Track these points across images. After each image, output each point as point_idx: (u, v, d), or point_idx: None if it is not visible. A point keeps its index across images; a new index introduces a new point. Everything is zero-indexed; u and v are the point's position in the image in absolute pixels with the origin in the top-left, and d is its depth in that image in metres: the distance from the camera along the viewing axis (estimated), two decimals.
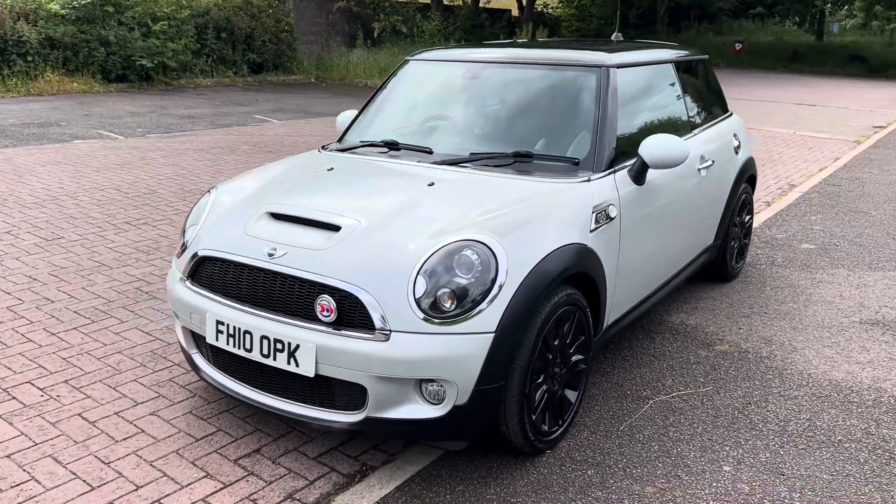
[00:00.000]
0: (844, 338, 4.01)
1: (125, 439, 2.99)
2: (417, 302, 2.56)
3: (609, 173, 3.26)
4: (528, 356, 2.67)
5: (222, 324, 2.84)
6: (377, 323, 2.56)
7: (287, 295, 2.72)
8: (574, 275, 2.89)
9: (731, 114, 5.02)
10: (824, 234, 6.05)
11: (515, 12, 29.45)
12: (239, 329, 2.79)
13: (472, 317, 2.55)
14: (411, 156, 3.49)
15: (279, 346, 2.69)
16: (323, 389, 2.72)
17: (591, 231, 3.02)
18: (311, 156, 3.79)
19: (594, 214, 3.06)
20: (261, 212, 3.01)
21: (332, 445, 2.99)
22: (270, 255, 2.78)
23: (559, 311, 2.80)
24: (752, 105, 15.36)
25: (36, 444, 2.94)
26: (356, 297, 2.59)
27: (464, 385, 2.56)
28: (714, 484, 2.73)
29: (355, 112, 4.23)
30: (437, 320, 2.54)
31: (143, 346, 3.79)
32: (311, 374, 2.63)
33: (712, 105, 4.74)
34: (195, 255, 3.03)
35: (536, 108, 3.58)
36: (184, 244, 3.23)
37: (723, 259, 4.74)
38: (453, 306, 2.56)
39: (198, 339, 3.10)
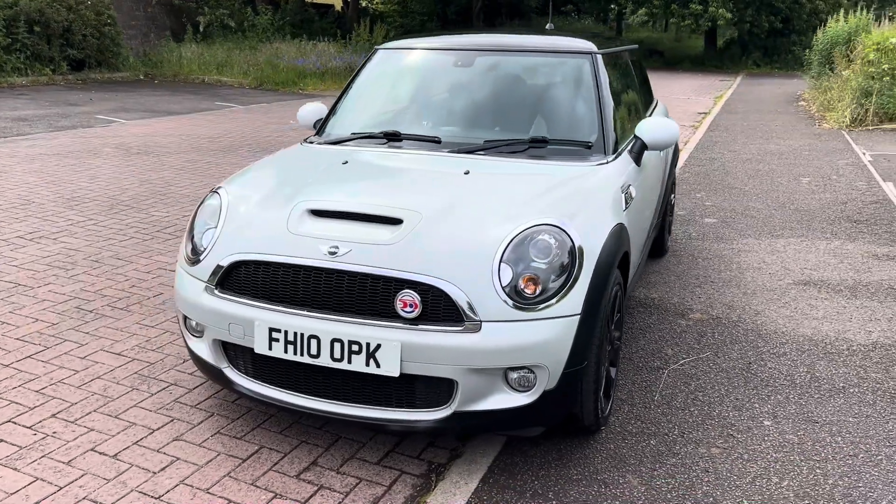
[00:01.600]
0: (790, 298, 4.43)
1: (163, 469, 2.69)
2: (504, 290, 2.53)
3: (619, 155, 3.39)
4: (601, 336, 2.73)
5: (277, 331, 2.63)
6: (466, 314, 2.49)
7: (359, 294, 2.57)
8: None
9: (657, 99, 5.36)
10: (717, 209, 6.61)
11: (339, 7, 29.21)
12: (301, 335, 2.60)
13: (559, 300, 2.55)
14: (419, 146, 3.41)
15: (355, 348, 2.54)
16: (401, 389, 2.61)
17: (623, 210, 3.13)
18: (307, 150, 3.58)
19: (623, 195, 3.17)
20: (300, 210, 2.81)
21: (387, 448, 2.88)
22: (332, 253, 2.61)
23: (614, 288, 2.88)
24: None
25: (61, 488, 2.57)
26: (440, 290, 2.51)
27: (554, 369, 2.57)
28: (766, 438, 2.94)
29: (320, 105, 4.05)
30: (525, 307, 2.52)
31: (121, 368, 3.42)
32: (396, 374, 2.52)
33: (649, 91, 5.03)
34: (225, 260, 2.77)
35: (535, 93, 3.62)
36: (195, 249, 2.95)
37: (661, 234, 5.06)
38: (538, 291, 2.56)
39: (230, 353, 2.85)
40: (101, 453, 2.78)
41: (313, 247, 2.66)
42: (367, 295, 2.57)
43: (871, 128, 11.41)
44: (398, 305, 2.53)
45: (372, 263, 2.57)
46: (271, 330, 2.64)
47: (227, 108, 12.84)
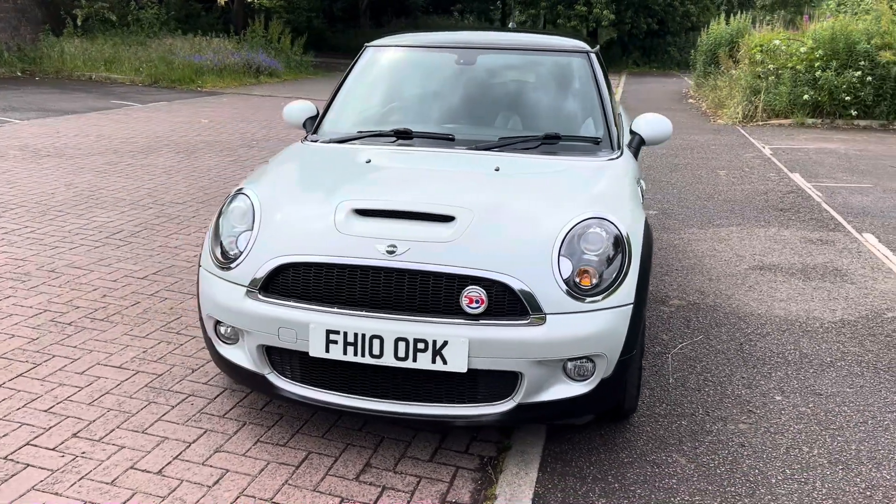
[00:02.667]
0: (752, 282, 4.75)
1: (217, 482, 2.59)
2: (565, 282, 2.60)
3: (623, 150, 3.53)
4: (644, 323, 2.85)
5: (336, 333, 2.59)
6: (531, 308, 2.55)
7: (422, 292, 2.57)
8: None
9: None
10: (653, 202, 6.94)
11: (222, 1, 28.24)
12: (363, 336, 2.57)
13: (614, 291, 2.65)
14: (433, 143, 3.42)
15: (420, 346, 2.54)
16: (464, 384, 2.63)
17: (641, 202, 3.27)
18: (318, 149, 3.51)
19: (638, 188, 3.31)
20: (345, 210, 2.77)
21: (434, 445, 2.88)
22: (391, 252, 2.60)
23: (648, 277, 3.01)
24: None
25: None
26: (505, 285, 2.55)
27: (611, 358, 2.66)
28: (783, 412, 3.16)
29: (307, 103, 3.97)
30: (585, 298, 2.60)
31: (128, 382, 3.24)
32: (464, 370, 2.54)
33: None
34: (269, 264, 2.69)
35: (539, 91, 3.71)
36: (225, 253, 2.85)
37: None
38: (592, 282, 2.64)
39: (273, 358, 2.77)
40: (143, 470, 2.64)
41: (369, 246, 2.63)
42: (430, 292, 2.57)
43: (760, 123, 12.26)
44: (463, 302, 2.55)
45: (434, 261, 2.58)
46: (329, 332, 2.59)
47: (126, 106, 12.21)
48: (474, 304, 2.55)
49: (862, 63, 11.77)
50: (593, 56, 3.78)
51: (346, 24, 34.45)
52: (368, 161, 3.22)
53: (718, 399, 3.26)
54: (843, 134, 11.23)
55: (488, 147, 3.35)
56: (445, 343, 2.53)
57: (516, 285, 2.55)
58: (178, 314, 3.97)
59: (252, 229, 2.84)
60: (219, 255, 2.88)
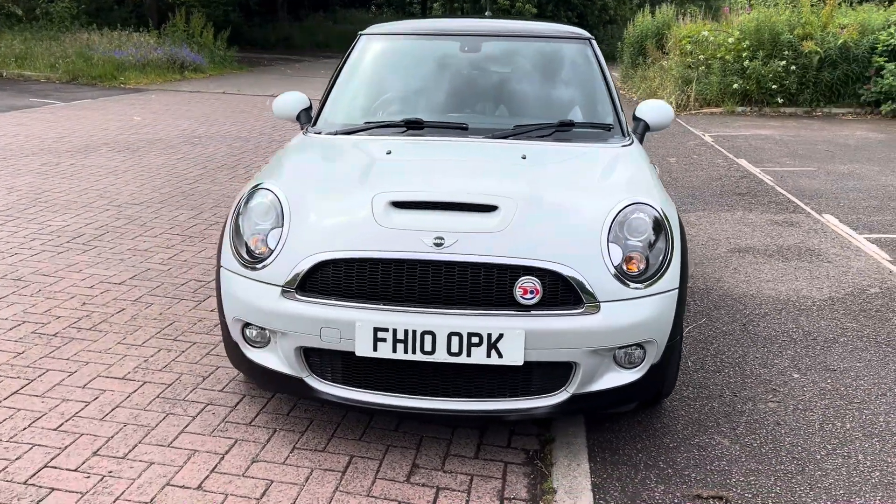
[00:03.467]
0: (736, 265, 4.85)
1: (265, 494, 2.44)
2: (616, 269, 2.57)
3: (632, 136, 3.53)
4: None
5: (384, 330, 2.48)
6: (586, 296, 2.51)
7: (473, 284, 2.49)
8: None
9: None
10: None
11: None
12: (414, 332, 2.47)
13: (662, 276, 2.64)
14: (447, 133, 3.33)
15: (475, 340, 2.46)
16: (517, 377, 2.56)
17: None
18: (329, 141, 3.36)
19: (655, 172, 3.31)
20: (382, 203, 2.65)
21: (475, 441, 2.81)
22: (438, 244, 2.50)
23: None
24: None
25: None
26: (558, 274, 2.50)
27: (661, 343, 2.65)
28: (805, 389, 3.23)
29: (299, 94, 3.80)
30: (635, 284, 2.58)
31: (137, 394, 3.03)
32: (520, 363, 2.47)
33: None
34: (307, 261, 2.56)
35: (546, 77, 3.67)
36: (250, 252, 2.70)
37: None
38: (642, 268, 2.62)
39: (312, 360, 2.64)
40: (182, 486, 2.47)
41: (415, 239, 2.53)
42: (482, 284, 2.49)
43: (694, 112, 12.62)
44: (517, 293, 2.49)
45: (485, 252, 2.50)
46: (376, 330, 2.48)
47: (48, 104, 11.54)
48: (529, 295, 2.49)
49: (786, 53, 12.26)
50: (594, 42, 3.77)
51: (263, 19, 33.63)
52: (389, 152, 3.10)
53: (740, 379, 3.31)
54: (773, 121, 11.68)
55: (504, 135, 3.29)
56: (501, 336, 2.46)
57: (570, 274, 2.50)
58: (169, 320, 3.75)
59: (281, 226, 2.70)
60: (244, 255, 2.72)
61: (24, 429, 2.75)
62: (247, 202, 2.84)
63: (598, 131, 3.44)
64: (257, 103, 12.33)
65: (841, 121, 11.80)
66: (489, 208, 2.64)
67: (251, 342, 2.75)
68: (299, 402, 3.02)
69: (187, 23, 18.57)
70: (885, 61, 11.88)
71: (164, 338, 3.55)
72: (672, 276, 2.67)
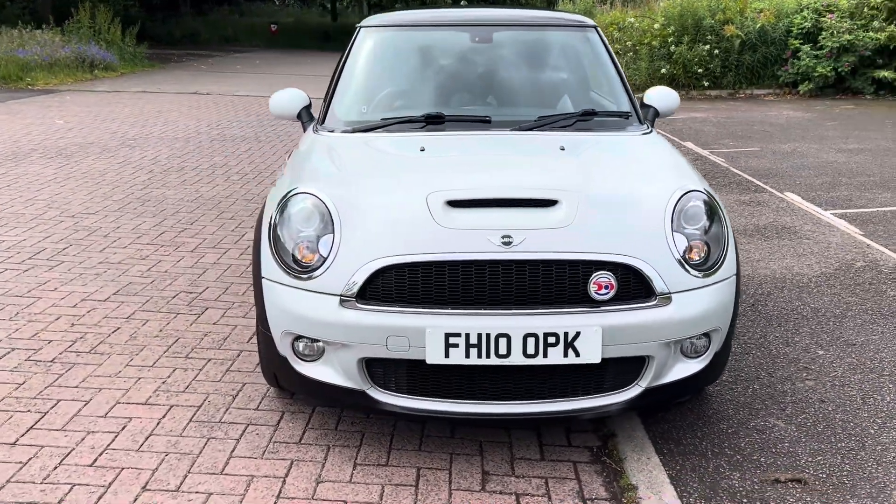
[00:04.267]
0: None
1: None
2: (682, 259, 2.54)
3: (648, 123, 3.51)
4: None
5: (456, 335, 2.37)
6: (658, 288, 2.47)
7: (546, 282, 2.41)
8: None
9: None
10: None
11: None
12: (488, 335, 2.37)
13: (722, 263, 2.63)
14: (469, 126, 3.22)
15: (551, 340, 2.39)
16: (590, 375, 2.50)
17: None
18: (352, 140, 3.18)
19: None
20: (438, 202, 2.54)
21: (534, 442, 2.74)
22: (507, 243, 2.41)
23: None
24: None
25: None
26: (630, 267, 2.45)
27: (724, 331, 2.65)
28: (833, 365, 3.30)
29: (297, 92, 3.63)
30: (700, 273, 2.56)
31: (168, 419, 2.82)
32: (598, 360, 2.42)
33: None
34: (367, 268, 2.42)
35: (559, 66, 3.61)
36: (297, 260, 2.54)
37: None
38: (703, 256, 2.61)
39: (374, 371, 2.50)
40: None
41: (481, 239, 2.43)
42: (555, 282, 2.42)
43: None
44: (592, 288, 2.42)
45: (556, 248, 2.43)
46: (448, 335, 2.37)
47: None
48: (603, 290, 2.43)
49: (709, 37, 12.65)
50: (599, 30, 3.74)
51: (165, 14, 32.35)
52: (423, 149, 2.97)
53: (770, 360, 3.36)
54: (702, 103, 12.04)
55: (530, 127, 3.21)
56: (578, 334, 2.39)
57: (642, 266, 2.45)
58: (172, 336, 3.51)
59: (332, 232, 2.54)
60: (291, 264, 2.55)
61: (56, 468, 2.51)
62: (283, 208, 2.66)
63: (617, 120, 3.41)
64: (184, 101, 11.82)
65: (764, 101, 12.29)
66: (548, 203, 2.57)
67: (302, 356, 2.59)
68: (344, 414, 2.87)
69: (93, 19, 17.62)
70: (801, 44, 12.43)
71: (175, 356, 3.32)
72: (730, 263, 2.67)
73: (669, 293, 2.48)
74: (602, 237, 2.48)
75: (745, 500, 2.43)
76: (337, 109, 3.43)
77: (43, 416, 2.81)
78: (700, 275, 2.55)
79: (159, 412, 2.87)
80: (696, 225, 2.65)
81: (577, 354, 2.41)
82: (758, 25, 12.56)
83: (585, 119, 3.33)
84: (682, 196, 2.67)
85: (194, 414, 2.86)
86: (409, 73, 3.59)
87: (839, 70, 12.09)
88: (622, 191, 2.71)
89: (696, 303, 2.52)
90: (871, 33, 11.97)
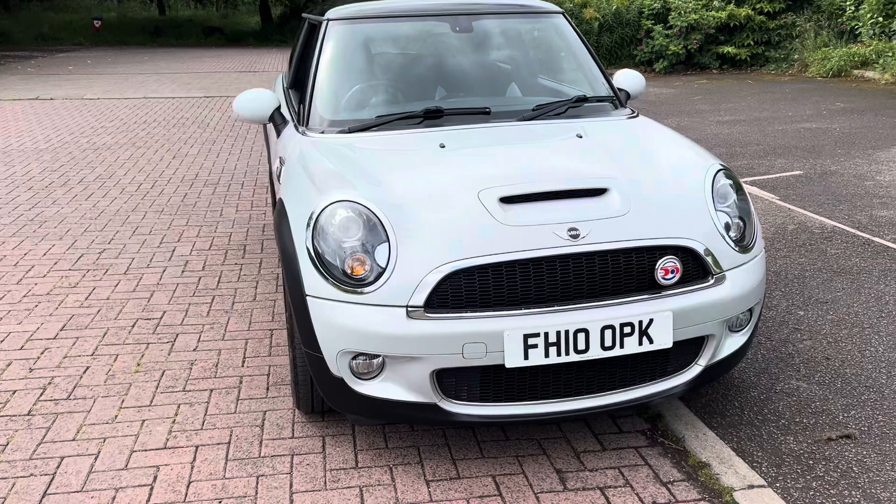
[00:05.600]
0: None
1: None
2: (731, 238, 2.60)
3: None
4: None
5: (535, 336, 2.30)
6: (714, 268, 2.51)
7: (616, 272, 2.38)
8: None
9: None
10: None
11: None
12: (566, 332, 2.32)
13: (756, 238, 2.72)
14: (471, 119, 3.11)
15: (627, 329, 2.37)
16: (655, 360, 2.51)
17: None
18: (356, 140, 2.97)
19: None
20: (491, 199, 2.44)
21: (587, 433, 2.72)
22: (574, 236, 2.36)
23: None
24: (213, 77, 15.51)
25: None
26: (690, 250, 2.47)
27: (761, 303, 2.74)
28: (820, 322, 3.51)
29: (265, 93, 3.38)
30: (742, 249, 2.63)
31: (203, 463, 2.54)
32: (670, 345, 2.43)
33: None
34: (434, 274, 2.29)
35: (539, 54, 3.57)
36: (346, 273, 2.36)
37: None
38: (740, 232, 2.68)
39: (445, 382, 2.38)
40: None
41: (549, 234, 2.36)
42: (624, 271, 2.40)
43: None
44: (659, 274, 2.43)
45: (623, 237, 2.41)
46: (526, 336, 2.30)
47: None
48: (670, 275, 2.44)
49: None
50: (566, 16, 3.74)
51: None
52: (443, 146, 2.84)
53: (762, 324, 3.52)
54: None
55: (532, 117, 3.16)
56: (651, 321, 2.39)
57: (700, 248, 2.49)
58: (155, 369, 3.17)
59: (386, 240, 2.38)
60: (343, 278, 2.37)
61: None
62: (321, 220, 2.45)
63: (603, 104, 3.43)
64: (28, 109, 10.73)
65: None
66: (599, 191, 2.54)
67: (359, 375, 2.41)
68: (388, 430, 2.72)
69: None
70: (653, 24, 13.18)
71: (170, 391, 3.00)
72: (760, 237, 2.76)
73: (724, 272, 2.53)
74: (660, 222, 2.49)
75: (811, 462, 2.54)
76: (321, 109, 3.21)
77: (52, 479, 2.45)
78: (741, 251, 2.62)
79: (187, 455, 2.58)
80: (729, 202, 2.72)
81: (651, 341, 2.40)
82: (613, 8, 13.18)
83: (577, 105, 3.33)
84: (715, 175, 2.73)
85: (227, 452, 2.60)
86: (394, 68, 3.42)
87: (689, 48, 12.94)
88: (660, 174, 2.72)
89: (745, 279, 2.59)
90: (713, 12, 12.90)
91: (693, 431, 2.71)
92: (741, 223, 2.69)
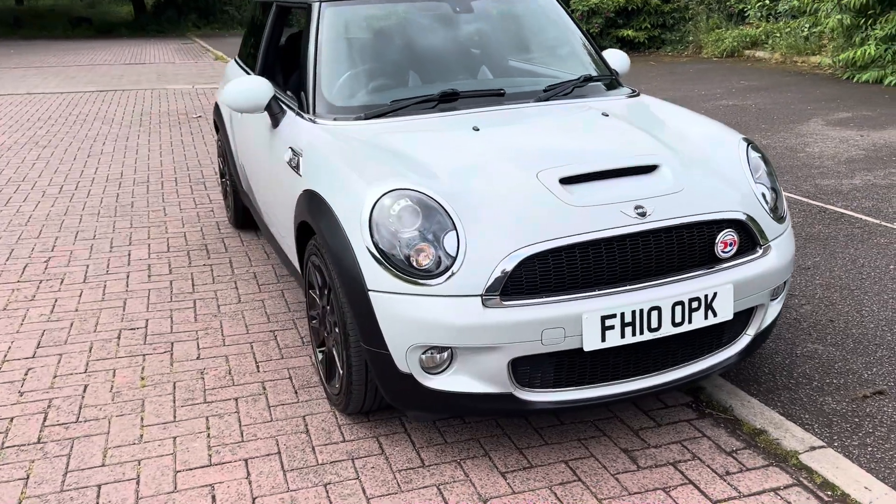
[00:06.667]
0: None
1: None
2: (772, 210, 2.66)
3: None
4: None
5: (611, 317, 2.27)
6: (761, 240, 2.56)
7: (680, 248, 2.39)
8: None
9: None
10: None
11: None
12: (641, 311, 2.31)
13: (785, 208, 2.80)
14: (486, 102, 3.02)
15: (694, 304, 2.38)
16: (712, 333, 2.53)
17: None
18: (380, 127, 2.83)
19: None
20: (552, 181, 2.39)
21: (636, 410, 2.73)
22: (641, 214, 2.35)
23: None
24: (98, 70, 14.57)
25: None
26: (741, 222, 2.51)
27: (791, 270, 2.82)
28: (811, 287, 3.67)
29: (259, 81, 3.15)
30: (777, 219, 2.70)
31: (260, 477, 2.37)
32: (731, 317, 2.46)
33: None
34: (509, 260, 2.21)
35: (538, 34, 3.52)
36: (410, 263, 2.26)
37: None
38: (773, 202, 2.74)
39: (519, 371, 2.31)
40: None
41: (616, 213, 2.34)
42: (687, 246, 2.41)
43: None
44: (718, 247, 2.46)
45: (685, 213, 2.42)
46: (604, 318, 2.27)
47: None
48: (728, 248, 2.47)
49: None
50: None
51: None
52: (476, 129, 2.75)
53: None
54: None
55: (547, 98, 3.11)
56: (715, 295, 2.41)
57: (750, 220, 2.53)
58: (164, 381, 2.93)
59: (454, 228, 2.27)
60: (410, 270, 2.25)
61: None
62: (379, 211, 2.32)
63: (607, 83, 3.43)
64: None
65: None
66: (651, 168, 2.54)
67: (428, 369, 2.31)
68: (442, 424, 2.63)
69: None
70: None
71: (191, 404, 2.78)
72: (787, 207, 2.85)
73: (769, 242, 2.59)
74: (714, 196, 2.52)
75: (856, 419, 2.65)
76: (328, 96, 3.04)
77: None
78: (778, 221, 2.69)
79: (239, 471, 2.39)
80: (760, 173, 2.78)
81: (715, 314, 2.43)
82: None
83: (582, 85, 3.32)
84: (746, 151, 2.78)
85: (281, 462, 2.43)
86: (398, 50, 3.27)
87: (590, 31, 13.26)
88: (699, 149, 2.74)
89: (786, 248, 2.66)
90: None
91: (738, 400, 2.77)
92: (774, 194, 2.75)
